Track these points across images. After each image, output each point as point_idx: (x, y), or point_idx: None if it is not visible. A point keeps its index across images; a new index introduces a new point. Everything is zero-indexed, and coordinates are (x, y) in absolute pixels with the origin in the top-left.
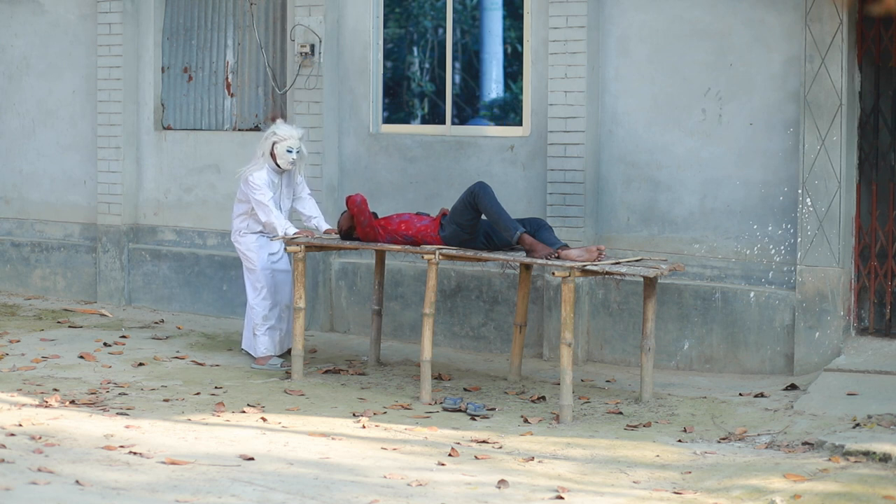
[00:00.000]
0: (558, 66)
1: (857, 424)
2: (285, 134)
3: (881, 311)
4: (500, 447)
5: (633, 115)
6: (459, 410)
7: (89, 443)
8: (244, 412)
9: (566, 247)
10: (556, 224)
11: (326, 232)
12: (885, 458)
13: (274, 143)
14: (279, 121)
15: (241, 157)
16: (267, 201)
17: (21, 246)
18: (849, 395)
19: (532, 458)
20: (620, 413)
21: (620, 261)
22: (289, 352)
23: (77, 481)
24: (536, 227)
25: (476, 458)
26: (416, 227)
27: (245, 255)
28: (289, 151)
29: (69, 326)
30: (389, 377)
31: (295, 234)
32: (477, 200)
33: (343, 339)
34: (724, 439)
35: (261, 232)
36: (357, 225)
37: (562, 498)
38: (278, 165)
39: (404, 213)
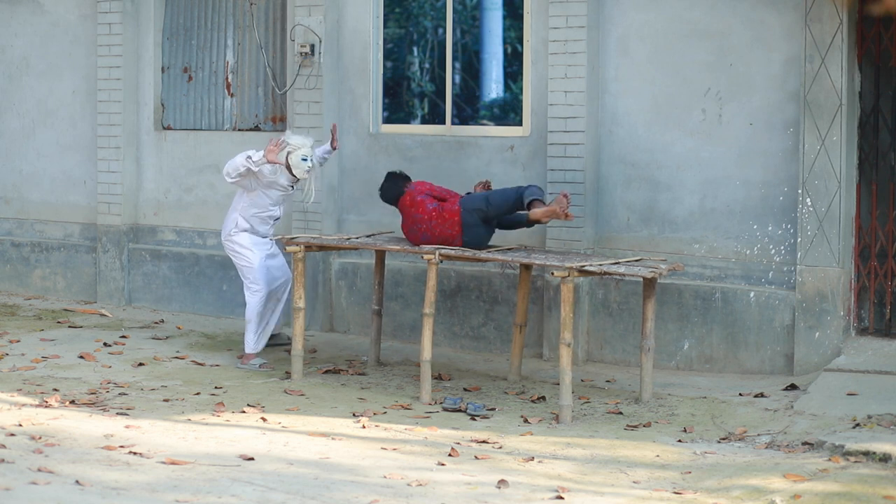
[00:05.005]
0: (558, 66)
1: (857, 424)
2: (298, 143)
3: (881, 311)
4: (500, 447)
5: (633, 115)
6: (459, 410)
7: (89, 443)
8: (244, 412)
9: (531, 205)
10: (556, 224)
11: (334, 148)
12: (885, 458)
13: (288, 154)
14: (288, 131)
15: None
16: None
17: (21, 246)
18: (849, 395)
19: (532, 458)
20: (620, 413)
21: (620, 261)
22: (288, 351)
23: (77, 481)
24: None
25: (476, 458)
26: (429, 209)
27: (240, 254)
28: (304, 160)
29: (69, 326)
30: (389, 377)
31: (262, 154)
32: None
33: (343, 339)
34: (724, 439)
35: (249, 230)
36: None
37: (562, 498)
38: (294, 176)
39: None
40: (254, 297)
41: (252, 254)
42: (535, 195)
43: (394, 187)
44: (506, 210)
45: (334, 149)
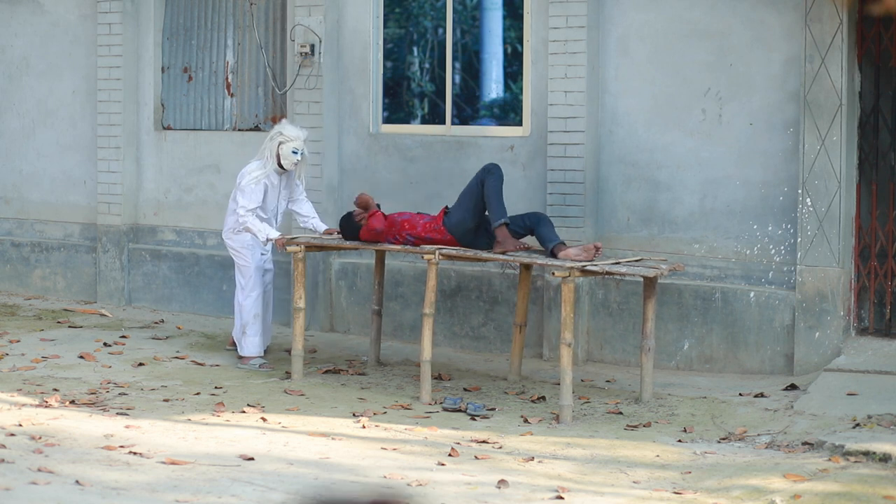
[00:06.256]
0: (558, 66)
1: (857, 424)
2: (292, 135)
3: (881, 311)
4: (500, 447)
5: (633, 115)
6: (459, 410)
7: (89, 443)
8: (244, 412)
9: (563, 245)
10: (556, 224)
11: (326, 232)
12: (885, 458)
13: (280, 144)
14: (284, 121)
15: (241, 157)
16: (250, 209)
17: (21, 246)
18: (849, 395)
19: (532, 458)
20: (620, 413)
21: (620, 261)
22: (288, 351)
23: (77, 481)
24: (536, 222)
25: (476, 458)
26: (419, 224)
27: (238, 253)
28: (294, 153)
29: (69, 326)
30: (389, 377)
31: (277, 238)
32: (485, 177)
33: (343, 339)
34: (724, 439)
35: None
36: (366, 230)
37: (562, 498)
38: (281, 166)
39: (405, 212)
40: (248, 300)
41: (250, 253)
42: (549, 236)
43: (349, 220)
44: (485, 205)
45: (326, 232)
